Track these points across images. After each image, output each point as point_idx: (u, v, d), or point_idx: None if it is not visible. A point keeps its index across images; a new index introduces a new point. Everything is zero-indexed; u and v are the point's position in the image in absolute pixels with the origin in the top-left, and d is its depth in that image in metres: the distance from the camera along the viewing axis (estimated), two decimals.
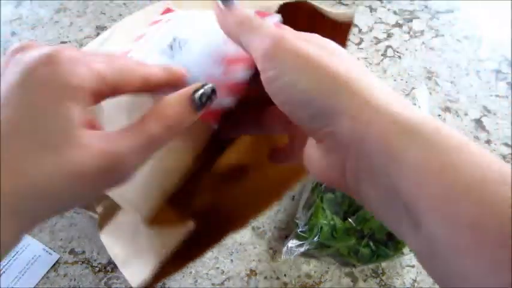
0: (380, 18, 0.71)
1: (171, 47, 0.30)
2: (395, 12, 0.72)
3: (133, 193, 0.26)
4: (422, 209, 0.17)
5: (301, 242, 0.45)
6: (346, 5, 0.74)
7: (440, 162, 0.17)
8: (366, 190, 0.20)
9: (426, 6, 0.72)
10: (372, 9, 0.72)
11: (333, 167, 0.21)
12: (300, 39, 0.21)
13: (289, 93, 0.21)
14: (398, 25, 0.70)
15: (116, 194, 0.27)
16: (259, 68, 0.22)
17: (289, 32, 0.22)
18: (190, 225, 0.29)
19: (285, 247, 0.45)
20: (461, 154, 0.17)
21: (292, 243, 0.45)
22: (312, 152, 0.23)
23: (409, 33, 0.69)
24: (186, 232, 0.29)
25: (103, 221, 0.33)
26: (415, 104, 0.50)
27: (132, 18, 0.40)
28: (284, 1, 0.27)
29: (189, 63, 0.28)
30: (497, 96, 0.61)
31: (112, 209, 0.33)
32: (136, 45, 0.32)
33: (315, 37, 0.23)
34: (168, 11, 0.35)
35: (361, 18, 0.71)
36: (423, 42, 0.68)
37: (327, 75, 0.20)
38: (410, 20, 0.71)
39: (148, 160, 0.22)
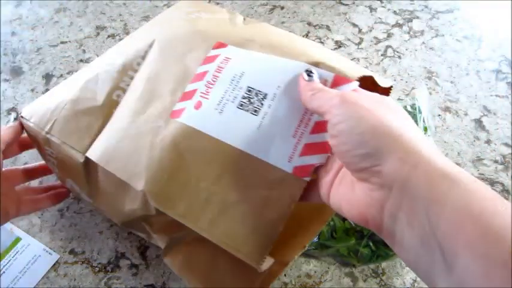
0: (380, 18, 0.71)
1: (249, 100, 0.32)
2: (395, 12, 0.72)
3: (250, 244, 0.29)
4: (459, 249, 0.19)
5: None
6: (346, 5, 0.74)
7: (480, 208, 0.20)
8: (402, 230, 0.22)
9: (426, 6, 0.72)
10: (372, 9, 0.72)
11: (371, 206, 0.24)
12: (362, 97, 0.26)
13: (349, 134, 0.24)
14: (398, 25, 0.70)
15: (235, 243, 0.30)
16: (328, 118, 0.26)
17: (355, 93, 0.27)
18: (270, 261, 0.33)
19: None
20: (497, 202, 0.20)
21: None
22: (349, 192, 0.26)
23: (409, 33, 0.69)
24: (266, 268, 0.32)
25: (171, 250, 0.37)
26: (414, 104, 0.50)
27: (169, 23, 0.41)
28: (362, 74, 0.31)
29: (276, 120, 0.31)
30: (497, 96, 0.61)
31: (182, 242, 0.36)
32: (203, 88, 0.34)
33: (375, 95, 0.27)
34: (220, 45, 0.36)
35: (361, 18, 0.71)
36: (423, 42, 0.68)
37: (380, 123, 0.24)
38: (410, 20, 0.71)
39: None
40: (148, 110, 0.36)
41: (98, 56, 0.65)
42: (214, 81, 0.34)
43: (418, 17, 0.71)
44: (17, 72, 0.64)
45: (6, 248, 0.47)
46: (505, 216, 0.19)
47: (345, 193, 0.27)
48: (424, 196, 0.21)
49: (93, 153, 0.36)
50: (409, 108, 0.50)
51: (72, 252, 0.48)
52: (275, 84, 0.32)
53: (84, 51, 0.66)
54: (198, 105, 0.34)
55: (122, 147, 0.35)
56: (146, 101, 0.36)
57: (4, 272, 0.45)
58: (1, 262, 0.46)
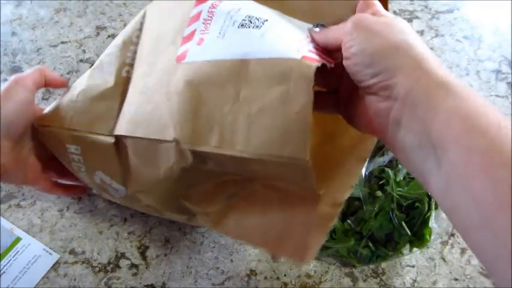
0: None
1: (250, 21, 0.32)
2: (395, 12, 0.72)
3: (288, 143, 0.30)
4: (448, 144, 0.23)
5: None
6: None
7: (468, 109, 0.23)
8: (403, 135, 0.26)
9: (426, 7, 0.72)
10: None
11: (379, 115, 0.28)
12: (373, 20, 0.28)
13: (361, 56, 0.27)
14: None
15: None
16: (343, 42, 0.29)
17: (365, 15, 0.30)
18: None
19: None
20: (485, 106, 0.23)
21: None
22: (362, 106, 0.29)
23: None
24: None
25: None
26: None
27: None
28: None
29: (278, 32, 0.31)
30: (497, 96, 0.61)
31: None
32: (201, 27, 0.34)
33: (387, 18, 0.29)
34: None
35: None
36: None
37: (389, 44, 0.27)
38: (410, 20, 0.71)
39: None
40: (155, 67, 0.36)
41: (98, 56, 0.65)
42: (210, 17, 0.34)
43: (418, 17, 0.71)
44: (17, 72, 0.64)
45: (6, 248, 0.47)
46: (489, 115, 0.23)
47: (356, 106, 0.30)
48: (422, 104, 0.25)
49: (119, 129, 0.37)
50: None
51: (72, 252, 0.48)
52: (275, 16, 0.33)
53: (84, 51, 0.66)
54: (200, 42, 0.34)
55: (142, 111, 0.35)
56: (151, 62, 0.37)
57: (4, 272, 0.45)
58: (1, 262, 0.46)
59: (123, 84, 0.38)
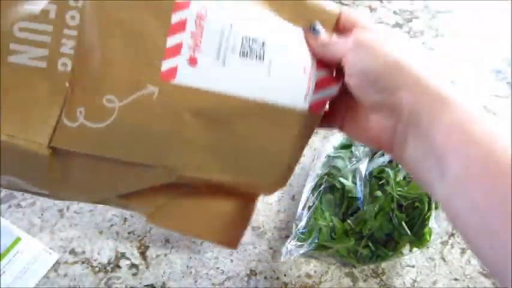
0: (380, 18, 0.71)
1: (249, 47, 0.30)
2: (395, 12, 0.72)
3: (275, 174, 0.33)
4: (449, 154, 0.24)
5: (300, 243, 0.45)
6: (347, 5, 0.74)
7: (465, 121, 0.24)
8: (410, 151, 0.27)
9: (426, 6, 0.72)
10: (372, 9, 0.72)
11: (385, 131, 0.29)
12: (373, 37, 0.29)
13: (363, 74, 0.28)
14: (398, 25, 0.70)
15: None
16: (344, 61, 0.29)
17: (364, 33, 0.30)
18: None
19: (285, 248, 0.45)
20: (483, 116, 0.24)
21: (292, 244, 0.45)
22: (366, 122, 0.30)
23: (409, 33, 0.69)
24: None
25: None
26: None
27: None
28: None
29: (284, 62, 0.31)
30: (497, 96, 0.61)
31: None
32: (190, 41, 0.29)
33: (384, 31, 0.30)
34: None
35: None
36: (423, 42, 0.68)
37: (390, 63, 0.28)
38: (410, 20, 0.71)
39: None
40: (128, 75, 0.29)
41: None
42: (200, 31, 0.30)
43: (418, 17, 0.71)
44: None
45: (6, 248, 0.47)
46: (484, 124, 0.24)
47: (360, 123, 0.31)
48: (424, 120, 0.26)
49: (67, 143, 0.29)
50: None
51: (72, 252, 0.48)
52: (269, 29, 0.31)
53: None
54: (192, 62, 0.30)
55: (119, 129, 0.29)
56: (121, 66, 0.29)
57: (4, 272, 0.45)
58: (1, 262, 0.46)
59: (60, 82, 0.28)
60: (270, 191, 0.35)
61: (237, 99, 0.30)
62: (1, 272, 0.45)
